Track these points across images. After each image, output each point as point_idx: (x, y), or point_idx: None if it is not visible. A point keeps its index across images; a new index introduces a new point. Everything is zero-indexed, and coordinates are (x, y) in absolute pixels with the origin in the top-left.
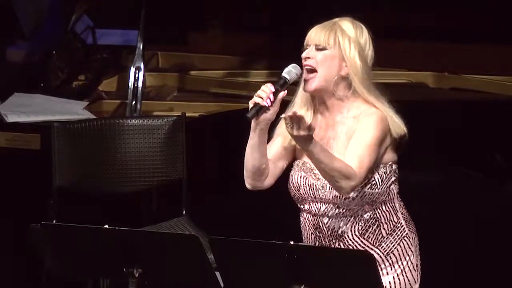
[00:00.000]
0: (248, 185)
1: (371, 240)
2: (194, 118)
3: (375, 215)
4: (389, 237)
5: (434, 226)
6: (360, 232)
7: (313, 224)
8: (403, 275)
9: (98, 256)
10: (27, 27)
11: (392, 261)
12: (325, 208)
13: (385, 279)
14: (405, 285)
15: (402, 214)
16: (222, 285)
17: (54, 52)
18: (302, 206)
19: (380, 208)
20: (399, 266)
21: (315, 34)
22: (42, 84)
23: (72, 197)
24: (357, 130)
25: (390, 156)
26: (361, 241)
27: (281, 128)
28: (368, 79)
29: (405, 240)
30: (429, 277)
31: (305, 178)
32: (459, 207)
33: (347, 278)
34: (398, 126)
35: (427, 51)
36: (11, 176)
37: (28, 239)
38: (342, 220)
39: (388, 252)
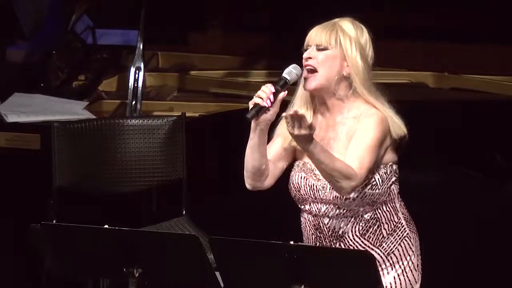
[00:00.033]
0: (248, 186)
1: (372, 240)
2: (194, 118)
3: (375, 216)
4: (390, 237)
5: (434, 226)
6: (360, 232)
7: (314, 225)
8: (404, 275)
9: (98, 256)
10: (27, 27)
11: (393, 261)
12: (326, 208)
13: (386, 279)
14: (406, 285)
15: (402, 214)
16: (222, 285)
17: (54, 52)
18: (302, 207)
19: (381, 209)
20: (400, 266)
21: (316, 34)
22: (42, 84)
23: (72, 197)
24: (357, 131)
25: (390, 156)
26: (362, 242)
27: (281, 129)
28: (369, 79)
29: (406, 240)
30: (429, 277)
31: (305, 179)
32: (459, 207)
33: (347, 278)
34: (398, 127)
35: (427, 51)
36: (11, 176)
37: (28, 239)
38: (342, 220)
39: (389, 252)
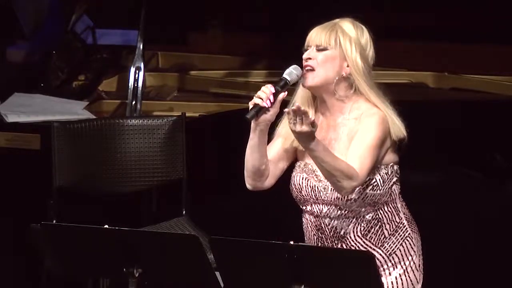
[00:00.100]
0: (248, 186)
1: (374, 240)
2: (194, 118)
3: (377, 216)
4: (392, 237)
5: (434, 226)
6: (362, 233)
7: (315, 226)
8: (405, 275)
9: (98, 256)
10: (27, 27)
11: (394, 261)
12: (327, 209)
13: (388, 280)
14: (408, 285)
15: (404, 214)
16: (222, 285)
17: (54, 52)
18: (304, 208)
19: (382, 209)
20: (402, 266)
21: (316, 35)
22: (42, 84)
23: (72, 197)
24: (358, 131)
25: (391, 157)
26: (364, 242)
27: (282, 129)
28: (371, 79)
29: (407, 240)
30: (429, 277)
31: (307, 179)
32: (459, 207)
33: (347, 278)
34: (398, 129)
35: (427, 51)
36: (11, 176)
37: (28, 239)
38: (344, 221)
39: (390, 253)
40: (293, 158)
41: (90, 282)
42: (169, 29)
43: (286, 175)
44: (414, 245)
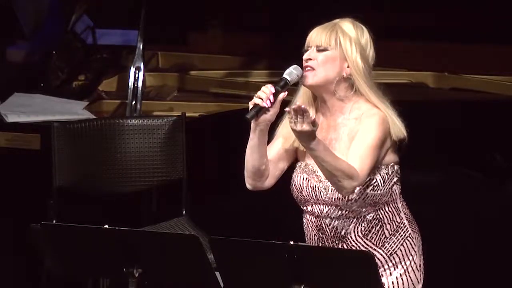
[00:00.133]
0: (248, 186)
1: (374, 240)
2: (194, 118)
3: (378, 216)
4: (392, 237)
5: (434, 226)
6: (363, 233)
7: (316, 226)
8: (406, 275)
9: (98, 256)
10: (27, 27)
11: (395, 261)
12: (328, 210)
13: (389, 280)
14: (408, 285)
15: (405, 214)
16: (222, 285)
17: (54, 52)
18: (304, 208)
19: (383, 209)
20: (403, 266)
21: (316, 35)
22: (42, 84)
23: (72, 197)
24: (359, 131)
25: (391, 157)
26: (364, 242)
27: (283, 130)
28: (371, 79)
29: (408, 240)
30: (429, 277)
31: (307, 180)
32: (459, 207)
33: (347, 278)
34: (398, 129)
35: (427, 51)
36: (11, 176)
37: (28, 239)
38: (345, 221)
39: (391, 253)
40: (293, 159)
41: (90, 282)
42: (169, 29)
43: (286, 175)
44: (414, 245)
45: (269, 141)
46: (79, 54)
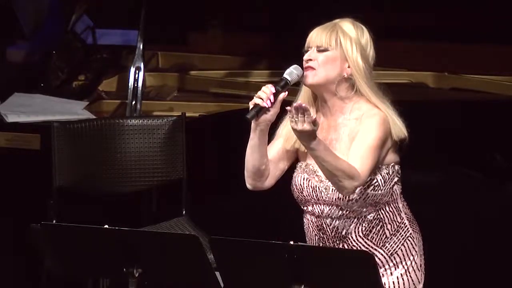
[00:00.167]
0: (248, 185)
1: (375, 240)
2: (194, 118)
3: (378, 216)
4: (393, 237)
5: (434, 226)
6: (364, 233)
7: (317, 226)
8: (407, 275)
9: (98, 256)
10: (27, 27)
11: (396, 261)
12: (328, 210)
13: (389, 280)
14: (409, 285)
15: (405, 214)
16: (222, 285)
17: (54, 52)
18: (305, 208)
19: (384, 209)
20: (403, 266)
21: (317, 36)
22: (42, 84)
23: (72, 197)
24: (359, 132)
25: (392, 157)
26: (365, 242)
27: (283, 130)
28: (371, 80)
29: (409, 240)
30: (429, 276)
31: (308, 180)
32: (459, 207)
33: (347, 278)
34: (399, 129)
35: (427, 51)
36: (11, 176)
37: (28, 239)
38: (345, 221)
39: (392, 253)
40: (294, 159)
41: (90, 282)
42: (169, 29)
43: (286, 175)
44: (415, 245)
45: (269, 141)
46: (79, 54)
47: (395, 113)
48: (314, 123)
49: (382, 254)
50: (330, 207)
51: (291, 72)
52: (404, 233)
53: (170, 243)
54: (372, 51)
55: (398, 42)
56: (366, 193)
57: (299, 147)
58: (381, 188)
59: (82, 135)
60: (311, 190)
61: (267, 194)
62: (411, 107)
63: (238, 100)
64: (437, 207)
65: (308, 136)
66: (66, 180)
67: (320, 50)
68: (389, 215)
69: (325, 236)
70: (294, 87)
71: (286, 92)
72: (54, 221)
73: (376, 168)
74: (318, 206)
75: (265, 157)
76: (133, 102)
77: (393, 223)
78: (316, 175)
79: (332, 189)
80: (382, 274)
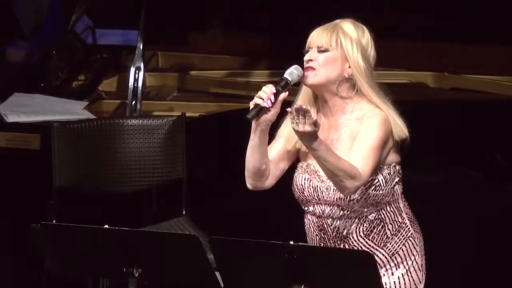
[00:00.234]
0: (249, 186)
1: (376, 241)
2: (194, 118)
3: (379, 216)
4: (394, 237)
5: (434, 226)
6: (365, 233)
7: (318, 226)
8: (408, 275)
9: (98, 256)
10: (27, 27)
11: (397, 262)
12: (329, 210)
13: (391, 280)
14: (410, 285)
15: (406, 214)
16: (222, 285)
17: (54, 52)
18: (306, 208)
19: (385, 209)
20: (405, 266)
21: (317, 36)
22: (42, 84)
23: (72, 197)
24: (360, 132)
25: (393, 157)
26: (366, 242)
27: (284, 130)
28: (373, 80)
29: (410, 240)
30: (429, 276)
31: (309, 180)
32: (459, 207)
33: (347, 278)
34: (400, 129)
35: (427, 51)
36: (11, 176)
37: (28, 239)
38: (346, 221)
39: (393, 253)
40: (294, 159)
41: (90, 282)
42: (169, 29)
43: (286, 175)
44: (416, 245)
45: (270, 141)
46: (79, 54)
47: (396, 113)
48: (315, 124)
49: (383, 254)
50: (331, 207)
51: (292, 72)
52: (405, 233)
53: (170, 243)
54: (373, 51)
55: (398, 42)
56: (367, 193)
57: (300, 147)
58: (382, 188)
59: (82, 135)
60: (312, 190)
61: (267, 194)
62: (411, 107)
63: (238, 100)
64: (437, 207)
65: (309, 137)
66: (66, 180)
67: (321, 50)
68: (390, 215)
69: (326, 237)
70: (295, 87)
71: (287, 92)
72: (54, 221)
73: (377, 168)
74: (319, 206)
75: (265, 157)
76: (133, 102)
77: (394, 223)
78: (317, 175)
79: (333, 189)
80: (383, 274)
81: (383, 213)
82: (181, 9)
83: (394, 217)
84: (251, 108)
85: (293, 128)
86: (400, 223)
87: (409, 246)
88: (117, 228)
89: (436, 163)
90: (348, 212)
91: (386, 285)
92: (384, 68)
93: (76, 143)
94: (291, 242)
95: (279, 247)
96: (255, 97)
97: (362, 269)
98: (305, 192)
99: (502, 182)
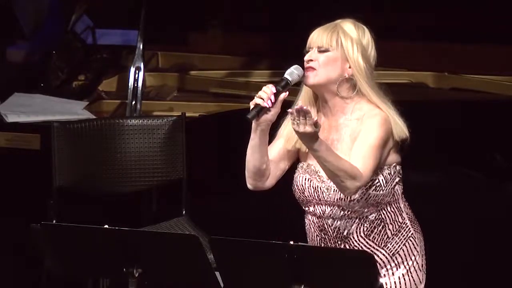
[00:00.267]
0: (249, 185)
1: (377, 241)
2: (194, 118)
3: (380, 216)
4: (395, 237)
5: (434, 226)
6: (365, 233)
7: (318, 226)
8: (408, 275)
9: (98, 256)
10: (27, 27)
11: (397, 262)
12: (330, 210)
13: (391, 280)
14: (411, 285)
15: (407, 214)
16: (222, 285)
17: (54, 52)
18: (306, 209)
19: (385, 209)
20: (405, 267)
21: (318, 36)
22: (42, 84)
23: (72, 197)
24: (361, 132)
25: (393, 157)
26: (367, 242)
27: (284, 130)
28: (373, 80)
29: (410, 240)
30: (429, 276)
31: (309, 180)
32: (459, 207)
33: (347, 278)
34: (400, 129)
35: (427, 51)
36: (11, 176)
37: (28, 239)
38: (347, 221)
39: (393, 253)
40: (295, 159)
41: (90, 282)
42: (169, 29)
43: (287, 175)
44: (417, 245)
45: (270, 141)
46: (79, 54)
47: (396, 113)
48: (316, 125)
49: (383, 254)
50: (331, 207)
51: (292, 72)
52: (406, 233)
53: (170, 243)
54: (374, 51)
55: (398, 42)
56: (368, 193)
57: (300, 147)
58: (383, 188)
59: (82, 135)
60: (312, 190)
61: (267, 194)
62: (411, 107)
63: (238, 100)
64: (437, 207)
65: (310, 138)
66: (66, 180)
67: (321, 50)
68: (391, 215)
69: (326, 237)
70: (295, 87)
71: (287, 92)
72: (54, 221)
73: (378, 169)
74: (320, 207)
75: (265, 157)
76: (133, 102)
77: (394, 223)
78: (318, 176)
79: (334, 189)
80: (384, 275)
81: (383, 213)
82: (181, 9)
83: (395, 217)
84: (251, 108)
85: (294, 129)
86: (401, 223)
87: (410, 246)
88: (117, 228)
89: (436, 163)
90: (349, 212)
91: (386, 285)
92: (384, 68)
93: (76, 143)
94: (291, 242)
95: (279, 247)
96: (255, 97)
97: (362, 269)
98: (305, 193)
99: (502, 182)
